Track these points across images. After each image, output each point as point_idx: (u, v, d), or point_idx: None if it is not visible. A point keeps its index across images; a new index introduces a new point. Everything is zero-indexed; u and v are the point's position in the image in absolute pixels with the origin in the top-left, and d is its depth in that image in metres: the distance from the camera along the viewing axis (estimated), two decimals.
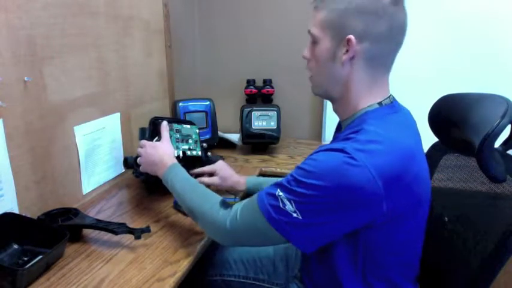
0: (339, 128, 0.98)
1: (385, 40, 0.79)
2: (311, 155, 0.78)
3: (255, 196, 0.83)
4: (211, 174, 1.21)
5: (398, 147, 0.76)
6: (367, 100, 0.83)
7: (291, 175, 0.78)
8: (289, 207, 0.75)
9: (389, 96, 0.85)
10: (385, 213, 0.74)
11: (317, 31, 0.83)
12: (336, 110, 0.91)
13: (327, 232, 0.77)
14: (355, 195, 0.72)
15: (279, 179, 0.82)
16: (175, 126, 1.24)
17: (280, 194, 0.77)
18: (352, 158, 0.71)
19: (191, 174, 1.12)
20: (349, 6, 0.78)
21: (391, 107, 0.85)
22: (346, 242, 0.81)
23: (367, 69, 0.81)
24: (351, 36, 0.78)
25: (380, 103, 0.83)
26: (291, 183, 0.76)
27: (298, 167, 0.78)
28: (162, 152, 1.07)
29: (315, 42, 0.84)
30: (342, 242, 0.81)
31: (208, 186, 1.08)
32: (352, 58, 0.80)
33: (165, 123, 1.15)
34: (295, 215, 0.75)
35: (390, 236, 0.80)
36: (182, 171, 1.02)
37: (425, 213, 0.87)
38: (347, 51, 0.79)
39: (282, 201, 0.76)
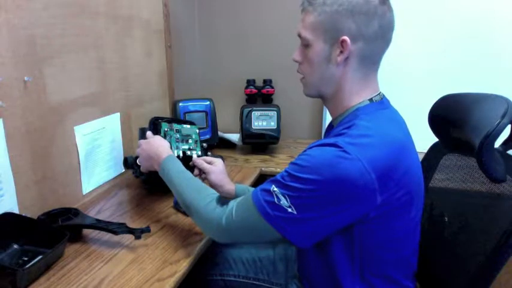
0: (330, 127, 0.99)
1: (377, 39, 0.81)
2: (305, 150, 0.80)
3: (249, 193, 0.84)
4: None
5: (389, 140, 0.78)
6: (358, 97, 0.85)
7: (286, 171, 0.79)
8: (284, 202, 0.76)
9: (379, 93, 0.87)
10: (379, 206, 0.75)
11: (308, 34, 0.84)
12: (327, 107, 0.93)
13: (322, 226, 0.78)
14: (349, 188, 0.73)
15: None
16: (175, 126, 1.24)
17: (275, 189, 0.78)
18: (344, 151, 0.73)
19: (192, 167, 1.13)
20: (339, 8, 0.79)
21: (381, 103, 0.86)
22: (341, 239, 0.82)
23: (360, 68, 0.83)
24: (346, 38, 0.79)
25: (371, 99, 0.85)
26: (286, 179, 0.77)
27: (292, 163, 0.79)
28: (157, 145, 1.07)
29: (306, 45, 0.85)
30: (338, 238, 0.82)
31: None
32: (346, 59, 0.82)
33: (149, 133, 1.15)
34: (290, 210, 0.76)
35: (385, 232, 0.81)
36: (178, 164, 1.02)
37: (420, 208, 0.88)
38: (341, 52, 0.81)
39: (277, 197, 0.77)
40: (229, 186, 1.12)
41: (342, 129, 0.80)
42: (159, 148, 1.06)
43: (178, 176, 0.99)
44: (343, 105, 0.87)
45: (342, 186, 0.73)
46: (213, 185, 1.12)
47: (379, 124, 0.80)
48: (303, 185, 0.75)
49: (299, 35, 0.86)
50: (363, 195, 0.73)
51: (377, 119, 0.82)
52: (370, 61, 0.84)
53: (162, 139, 1.12)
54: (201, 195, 0.93)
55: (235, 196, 1.10)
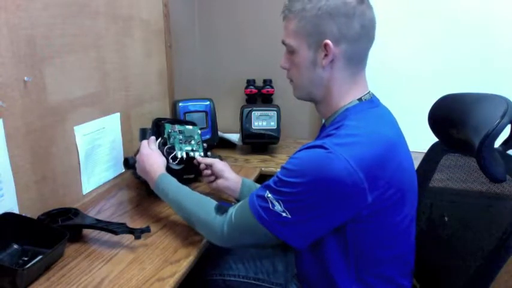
0: (323, 126, 1.00)
1: (360, 38, 0.82)
2: (294, 153, 0.81)
3: (247, 199, 0.86)
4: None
5: (378, 138, 0.79)
6: (348, 97, 0.86)
7: (277, 176, 0.81)
8: (278, 207, 0.78)
9: (368, 92, 0.88)
10: (370, 205, 0.76)
11: (292, 41, 0.85)
12: (318, 110, 0.94)
13: (315, 227, 0.79)
14: (337, 188, 0.73)
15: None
16: (178, 127, 1.25)
17: (269, 195, 0.80)
18: (331, 152, 0.74)
19: (196, 163, 1.16)
20: (319, 12, 0.80)
21: (371, 102, 0.87)
22: (335, 239, 0.82)
23: (347, 68, 0.84)
24: (328, 41, 0.81)
25: (360, 99, 0.86)
26: (277, 184, 0.79)
27: (282, 167, 0.81)
28: (152, 162, 1.08)
29: (291, 51, 0.86)
30: (331, 239, 0.82)
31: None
32: (331, 61, 0.83)
33: (152, 138, 1.15)
34: (284, 214, 0.77)
35: (378, 230, 0.81)
36: (173, 180, 1.03)
37: (413, 206, 0.89)
38: (326, 55, 0.82)
39: (271, 202, 0.79)
40: (234, 174, 1.15)
41: (331, 130, 0.82)
42: (153, 165, 1.07)
43: (175, 191, 1.00)
44: (333, 107, 0.88)
45: (331, 187, 0.74)
46: (217, 171, 1.14)
47: (368, 123, 0.81)
48: (293, 188, 0.77)
49: (283, 42, 0.88)
50: (353, 194, 0.74)
51: (366, 117, 0.83)
52: (356, 60, 0.85)
53: (159, 155, 1.11)
54: (200, 205, 0.95)
55: (241, 186, 1.13)
